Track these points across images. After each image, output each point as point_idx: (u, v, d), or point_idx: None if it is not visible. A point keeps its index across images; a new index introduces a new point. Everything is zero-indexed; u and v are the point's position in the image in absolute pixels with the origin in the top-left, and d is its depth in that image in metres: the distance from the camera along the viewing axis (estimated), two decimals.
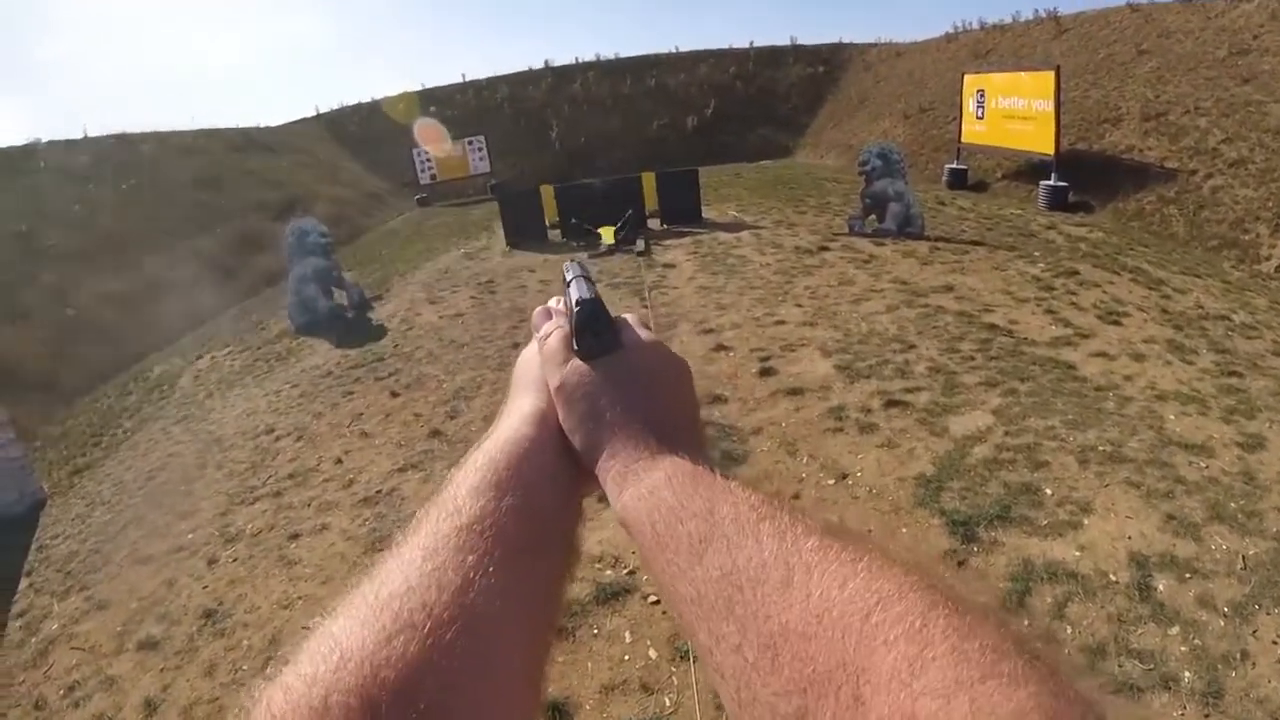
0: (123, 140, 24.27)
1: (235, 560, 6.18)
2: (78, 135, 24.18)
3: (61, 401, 11.78)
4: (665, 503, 0.57)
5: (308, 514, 6.66)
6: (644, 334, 0.77)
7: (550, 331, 0.78)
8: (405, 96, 35.82)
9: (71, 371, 12.71)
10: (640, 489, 0.61)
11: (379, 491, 6.79)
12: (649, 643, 4.56)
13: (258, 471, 7.75)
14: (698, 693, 4.12)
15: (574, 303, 0.75)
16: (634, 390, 0.70)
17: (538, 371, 0.78)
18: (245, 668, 4.90)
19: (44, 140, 22.99)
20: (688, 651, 4.40)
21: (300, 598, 5.48)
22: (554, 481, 0.67)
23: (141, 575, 6.29)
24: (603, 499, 0.67)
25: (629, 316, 0.80)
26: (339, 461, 7.56)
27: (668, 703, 4.15)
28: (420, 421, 8.10)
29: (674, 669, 4.35)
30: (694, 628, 0.50)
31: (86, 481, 8.59)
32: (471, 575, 0.54)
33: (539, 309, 0.86)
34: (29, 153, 21.60)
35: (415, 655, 0.48)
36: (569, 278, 0.83)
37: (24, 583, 6.69)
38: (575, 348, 0.74)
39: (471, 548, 0.56)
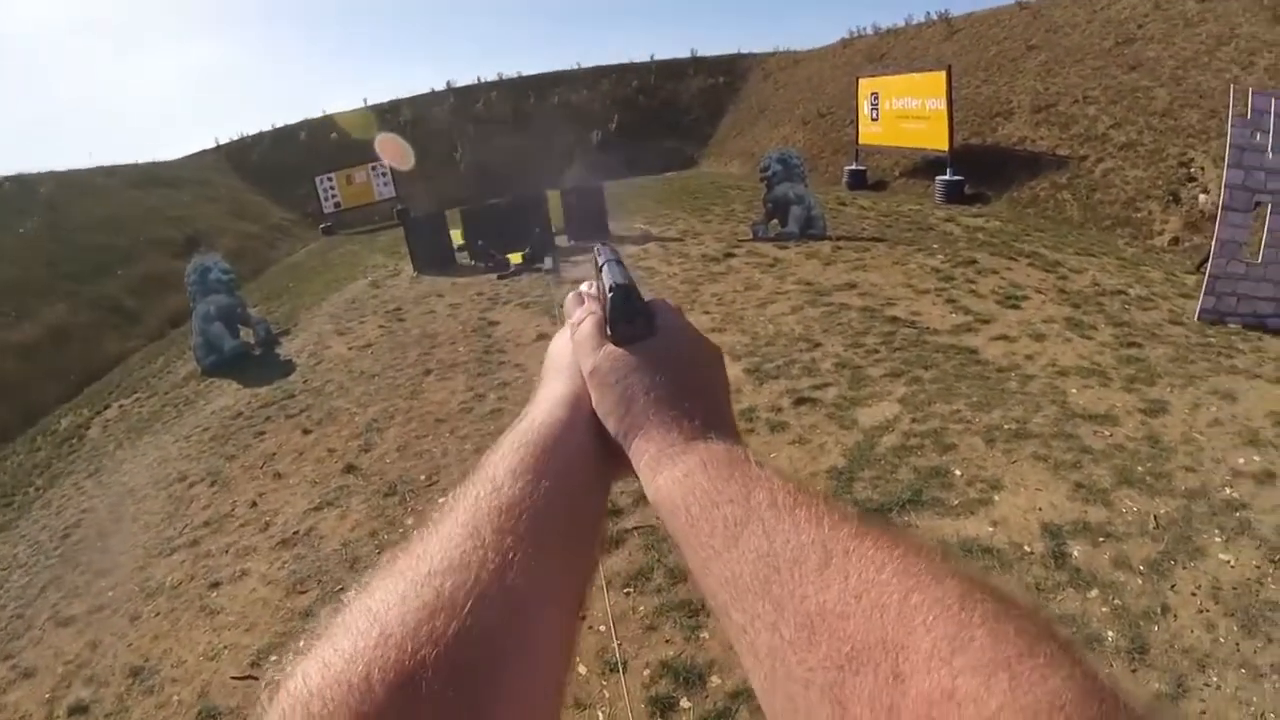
0: (19, 182, 23.51)
1: (158, 614, 5.96)
2: None
3: None
4: (700, 486, 0.57)
5: (226, 561, 6.46)
6: (677, 319, 0.76)
7: (583, 318, 0.77)
8: (290, 130, 35.38)
9: None
10: (675, 473, 0.60)
11: (296, 532, 6.60)
12: (578, 659, 4.45)
13: (173, 521, 7.49)
14: (630, 704, 4.07)
15: (607, 288, 0.74)
16: (668, 375, 0.69)
17: (570, 357, 0.76)
18: None
19: None
20: (616, 664, 4.36)
21: (225, 647, 5.31)
22: (587, 466, 0.67)
23: (64, 638, 6.03)
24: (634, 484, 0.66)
25: (662, 301, 0.78)
26: (254, 504, 7.34)
27: (601, 717, 4.10)
28: (334, 457, 7.91)
29: (604, 683, 4.30)
30: (728, 608, 0.50)
31: (1, 544, 8.22)
32: (511, 556, 0.54)
33: (571, 294, 0.85)
34: None
35: (456, 634, 0.47)
36: (600, 261, 0.82)
37: None
38: (609, 333, 0.72)
39: (511, 529, 0.56)
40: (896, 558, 0.44)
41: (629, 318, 0.72)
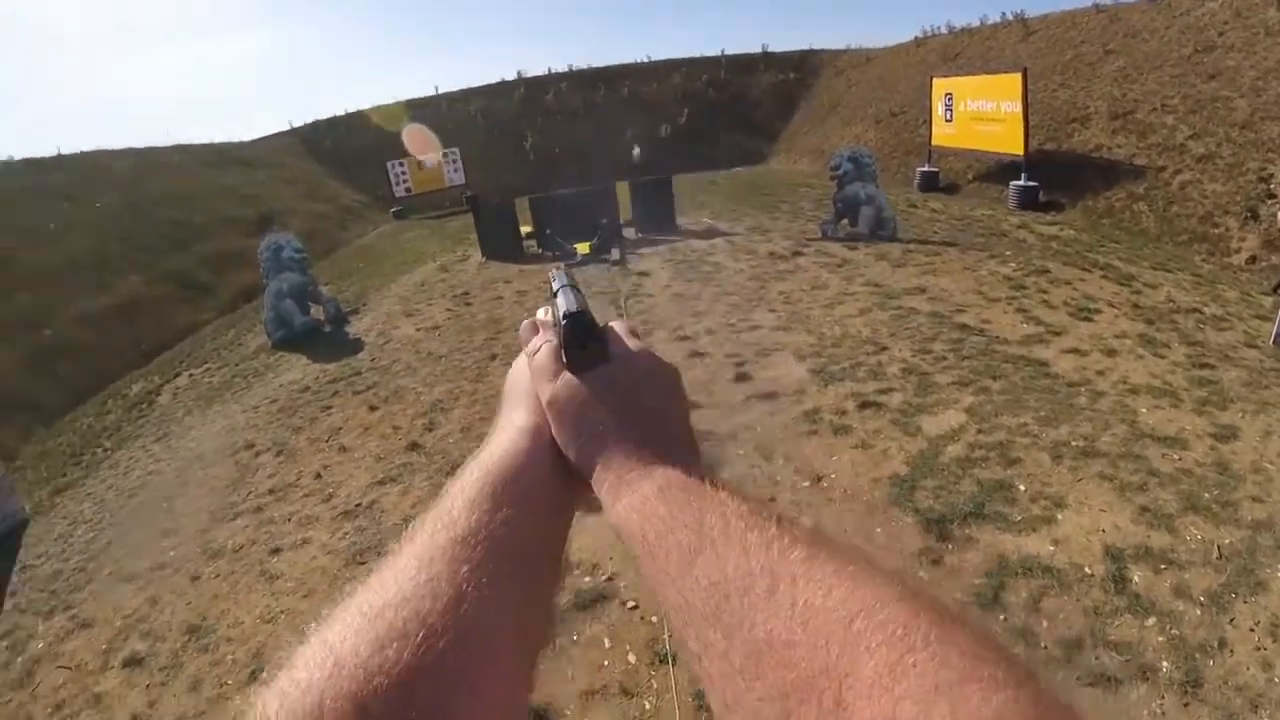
0: (98, 157, 24.11)
1: (218, 576, 6.14)
2: (51, 153, 24.01)
3: (41, 421, 11.69)
4: (657, 513, 0.58)
5: (288, 529, 6.63)
6: (633, 343, 0.77)
7: (539, 346, 0.78)
8: (388, 109, 35.71)
9: (50, 391, 12.62)
10: (633, 499, 0.61)
11: (359, 505, 6.75)
12: (628, 647, 4.54)
13: (238, 487, 7.71)
14: (677, 695, 4.10)
15: (561, 315, 0.75)
16: (624, 401, 0.70)
17: (528, 385, 0.77)
18: (230, 682, 4.87)
19: (18, 158, 22.86)
20: (666, 655, 4.40)
21: (282, 611, 5.45)
22: (547, 494, 0.68)
23: (125, 593, 6.24)
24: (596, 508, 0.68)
25: (617, 325, 0.80)
26: (318, 476, 7.52)
27: (647, 706, 4.14)
28: (398, 434, 8.07)
29: (653, 673, 4.34)
30: (683, 635, 0.51)
31: (68, 501, 8.51)
32: (465, 587, 0.54)
33: (526, 322, 0.86)
34: (3, 171, 21.44)
35: (408, 663, 0.48)
36: (555, 287, 0.83)
37: (8, 603, 6.63)
38: (564, 361, 0.74)
39: (466, 559, 0.57)
40: (845, 581, 0.45)
41: (583, 344, 0.73)
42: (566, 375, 0.72)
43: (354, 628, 0.51)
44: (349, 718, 0.45)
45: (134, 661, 5.30)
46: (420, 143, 29.00)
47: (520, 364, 0.82)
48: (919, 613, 0.42)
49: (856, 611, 0.43)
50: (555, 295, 0.82)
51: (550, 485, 0.69)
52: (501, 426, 0.76)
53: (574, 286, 0.82)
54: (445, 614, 0.52)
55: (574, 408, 0.70)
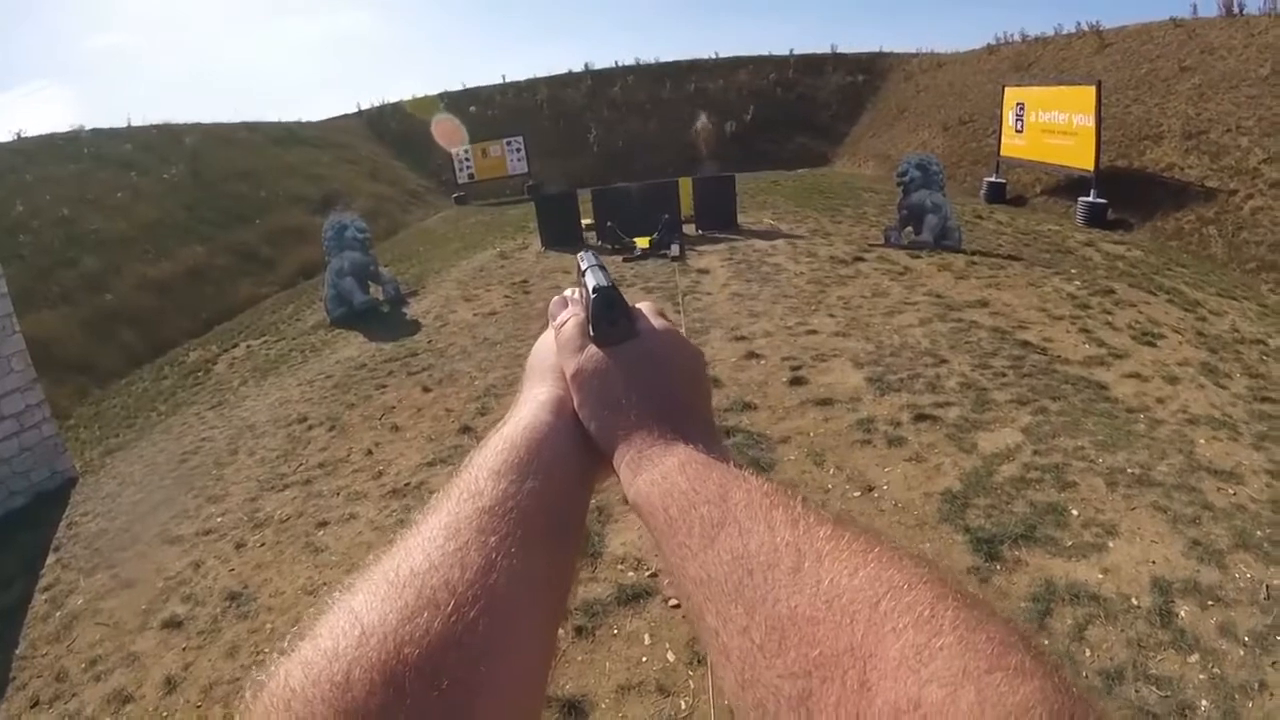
0: (166, 130, 24.69)
1: (263, 545, 6.30)
2: (122, 124, 24.66)
3: (97, 383, 12.04)
4: (678, 488, 0.58)
5: (336, 503, 6.77)
6: (659, 322, 0.78)
7: (566, 319, 0.79)
8: (430, 100, 36.06)
9: (108, 355, 12.99)
10: (654, 474, 0.62)
11: (408, 484, 6.87)
12: (668, 645, 4.60)
13: (289, 459, 7.89)
14: (713, 697, 4.16)
15: (590, 290, 0.76)
16: (649, 377, 0.71)
17: (554, 359, 0.78)
18: (267, 650, 4.90)
19: (88, 128, 23.47)
20: (704, 656, 4.44)
21: (325, 584, 5.54)
22: (570, 467, 0.68)
23: (169, 556, 6.43)
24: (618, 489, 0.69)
25: (644, 305, 0.80)
26: (369, 453, 7.67)
27: (683, 706, 4.19)
28: (451, 417, 8.19)
29: (691, 673, 4.39)
30: (702, 609, 0.51)
31: (118, 462, 8.76)
32: (494, 556, 0.55)
33: (556, 298, 0.87)
34: (74, 140, 22.03)
35: (439, 633, 0.48)
36: (584, 266, 0.84)
37: (52, 558, 6.86)
38: (591, 335, 0.74)
39: (494, 529, 0.57)
40: (871, 562, 0.46)
41: (611, 319, 0.73)
42: (592, 349, 0.73)
43: (380, 595, 0.51)
44: (378, 688, 0.45)
45: (173, 624, 5.46)
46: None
47: (546, 338, 0.83)
48: (946, 597, 0.43)
49: (884, 592, 0.43)
50: (584, 273, 0.82)
51: (573, 458, 0.69)
52: (525, 399, 0.76)
53: (602, 266, 0.83)
54: (475, 583, 0.52)
55: (597, 381, 0.71)
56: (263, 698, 0.46)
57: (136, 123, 25.02)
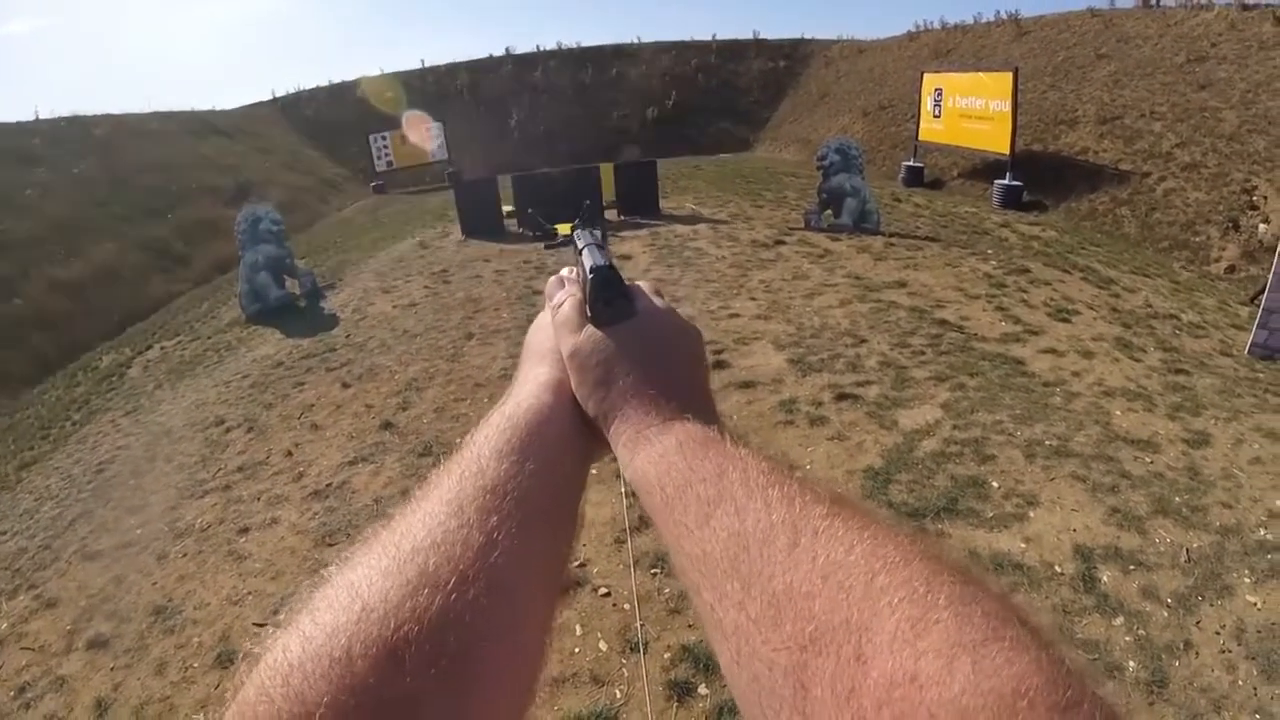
0: (76, 123, 23.83)
1: (185, 555, 6.04)
2: (29, 117, 23.74)
3: (9, 393, 11.53)
4: (676, 466, 0.58)
5: (257, 508, 6.53)
6: (657, 301, 0.77)
7: (563, 300, 0.79)
8: (373, 81, 35.51)
9: (19, 362, 12.47)
10: (652, 453, 0.62)
11: (329, 485, 6.67)
12: (599, 635, 4.53)
13: (207, 464, 7.59)
14: (648, 684, 4.08)
15: (588, 270, 0.75)
16: (647, 357, 0.70)
17: (552, 340, 0.78)
18: (196, 665, 4.80)
19: None
20: (638, 644, 4.38)
21: (250, 593, 5.37)
22: (569, 447, 0.68)
23: (90, 572, 6.13)
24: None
25: (644, 283, 0.80)
26: (289, 454, 7.43)
27: (618, 694, 4.13)
28: (372, 413, 7.98)
29: (624, 661, 4.33)
30: (699, 586, 0.51)
31: (35, 475, 8.37)
32: (496, 536, 0.54)
33: (553, 278, 0.87)
34: None
35: (440, 610, 0.48)
36: (581, 245, 0.83)
37: None
38: (588, 315, 0.74)
39: (496, 509, 0.57)
40: (866, 539, 0.45)
41: (608, 299, 0.73)
42: (589, 329, 0.72)
43: (381, 571, 0.50)
44: (379, 664, 0.44)
45: (98, 643, 5.21)
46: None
47: (544, 319, 0.83)
48: (942, 572, 0.42)
49: (879, 567, 0.43)
50: (581, 251, 0.82)
51: (572, 438, 0.69)
52: (524, 379, 0.76)
53: (600, 245, 0.82)
54: (476, 561, 0.52)
55: (595, 361, 0.70)
56: (259, 671, 0.46)
57: (45, 115, 24.16)
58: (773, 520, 0.49)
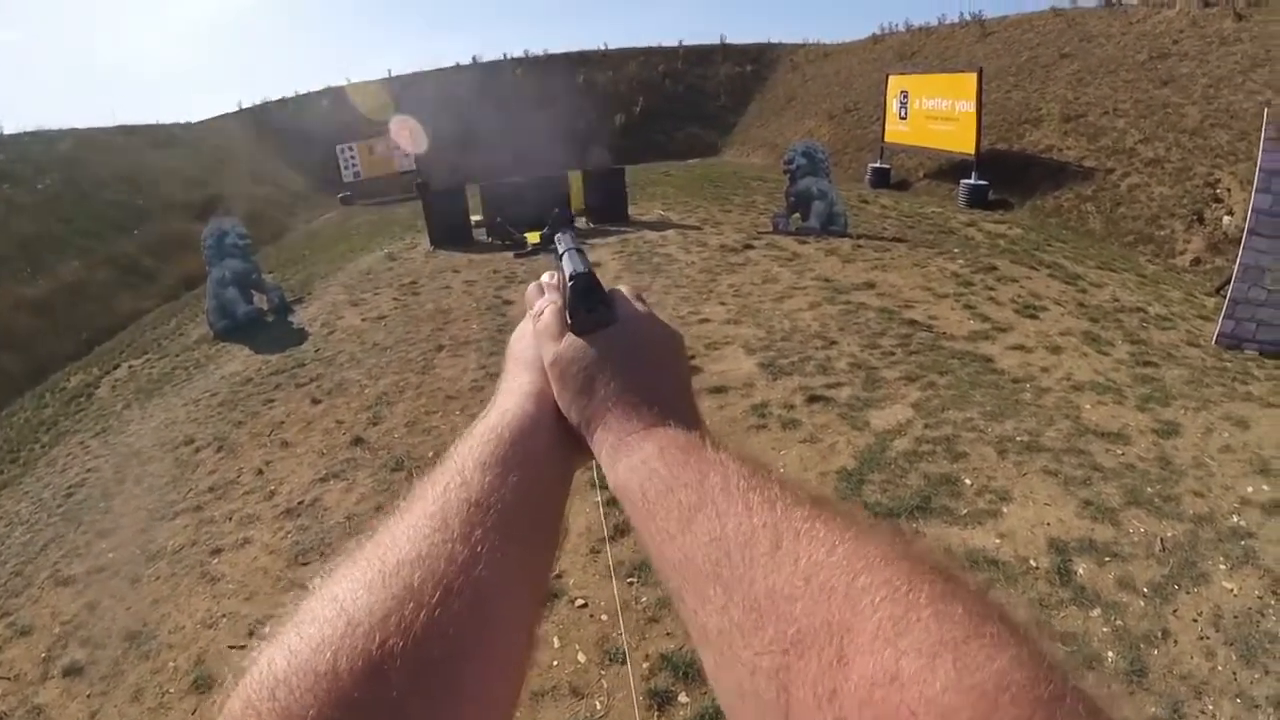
0: (39, 138, 23.58)
1: (158, 579, 5.93)
2: None
3: None
4: (657, 473, 0.58)
5: (229, 528, 6.43)
6: (638, 306, 0.77)
7: (544, 307, 0.78)
8: (341, 90, 35.41)
9: None
10: (633, 460, 0.61)
11: (301, 502, 6.58)
12: (578, 647, 4.49)
13: (178, 485, 7.46)
14: (634, 695, 4.04)
15: (568, 277, 0.75)
16: (628, 363, 0.70)
17: (534, 349, 0.77)
18: (172, 690, 4.72)
19: None
20: (617, 654, 4.36)
21: (224, 615, 5.29)
22: (553, 459, 0.68)
23: (63, 597, 6.01)
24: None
25: (624, 288, 0.79)
26: (260, 472, 7.32)
27: (598, 706, 4.10)
28: (342, 429, 7.88)
29: (603, 672, 4.30)
30: (681, 592, 0.51)
31: (4, 500, 8.22)
32: (479, 549, 0.54)
33: (533, 284, 0.86)
34: None
35: (425, 625, 0.48)
36: (561, 250, 0.83)
37: None
38: (569, 323, 0.73)
39: (480, 522, 0.57)
40: (848, 539, 0.45)
41: (589, 306, 0.72)
42: (570, 337, 0.72)
43: (366, 584, 0.50)
44: (364, 678, 0.44)
45: (74, 670, 5.11)
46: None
47: (524, 326, 0.82)
48: (922, 572, 0.42)
49: (860, 568, 0.42)
50: (561, 257, 0.81)
51: (555, 448, 0.69)
52: (506, 389, 0.76)
53: (580, 250, 0.81)
54: (460, 575, 0.52)
55: (576, 369, 0.70)
56: (246, 684, 0.46)
57: (9, 130, 23.88)
58: (754, 524, 0.49)
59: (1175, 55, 16.52)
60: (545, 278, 0.87)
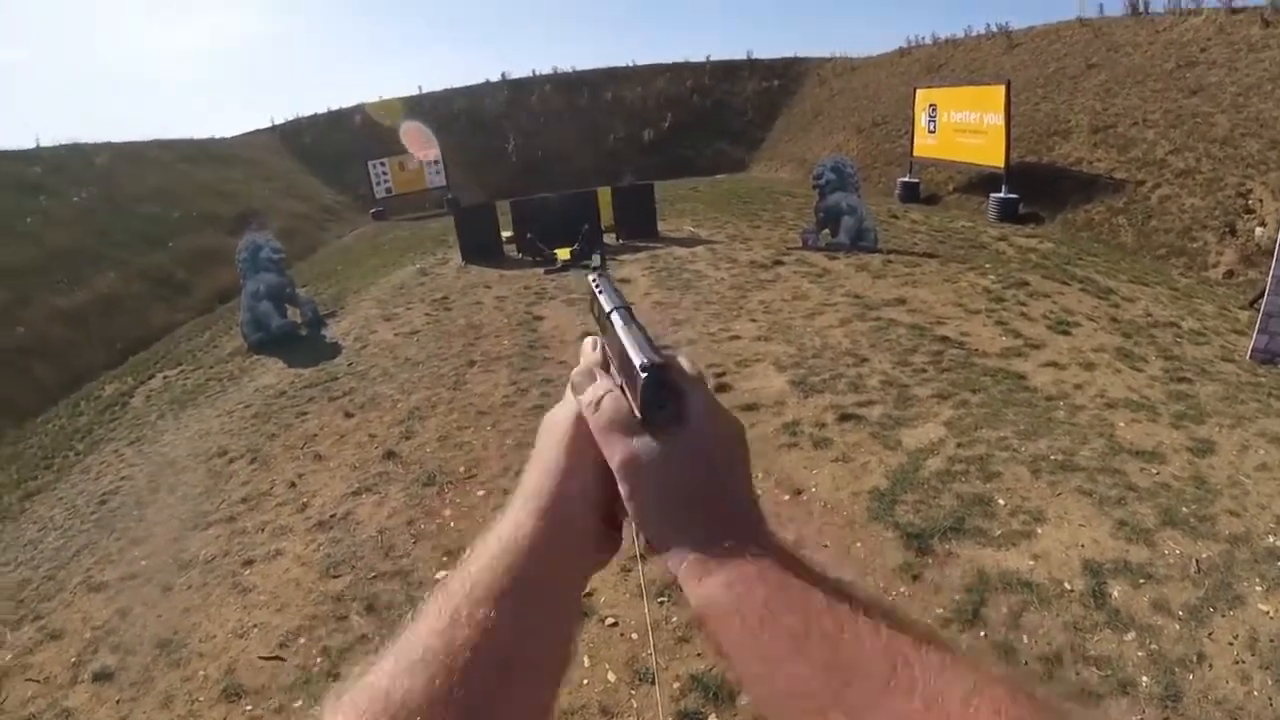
0: (76, 150, 23.88)
1: (189, 587, 6.00)
2: (30, 145, 23.81)
3: (12, 422, 11.50)
4: (757, 595, 0.56)
5: (262, 539, 6.49)
6: (703, 396, 0.69)
7: (600, 397, 0.69)
8: (373, 106, 35.74)
9: (22, 391, 12.42)
10: (725, 578, 0.58)
11: (333, 515, 6.63)
12: (607, 666, 4.49)
13: (211, 495, 7.54)
14: (664, 714, 4.07)
15: (638, 367, 0.65)
16: (708, 467, 0.65)
17: (556, 449, 0.71)
18: (202, 699, 4.76)
19: None
20: (647, 674, 4.36)
21: (255, 625, 5.33)
22: (564, 582, 0.67)
23: (95, 603, 6.08)
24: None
25: (684, 363, 0.71)
26: (293, 485, 7.39)
27: None
28: (375, 443, 7.94)
29: (633, 692, 4.30)
30: (795, 718, 0.51)
31: (38, 505, 8.34)
32: (478, 702, 0.55)
33: (580, 369, 0.75)
34: None
35: None
36: (608, 309, 0.75)
37: None
38: (640, 419, 0.65)
39: (480, 663, 0.56)
40: (951, 663, 0.47)
41: (661, 402, 0.65)
42: (644, 439, 0.65)
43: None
44: None
45: (104, 676, 5.17)
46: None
47: (562, 413, 0.73)
48: (1018, 691, 0.45)
49: (971, 688, 0.45)
50: (608, 319, 0.74)
51: (568, 570, 0.67)
52: (527, 492, 0.70)
53: (631, 315, 0.73)
54: (452, 708, 0.53)
55: (651, 475, 0.64)
56: None
57: (45, 143, 24.23)
58: (866, 649, 0.49)
59: (1203, 63, 16.37)
60: (587, 345, 0.79)
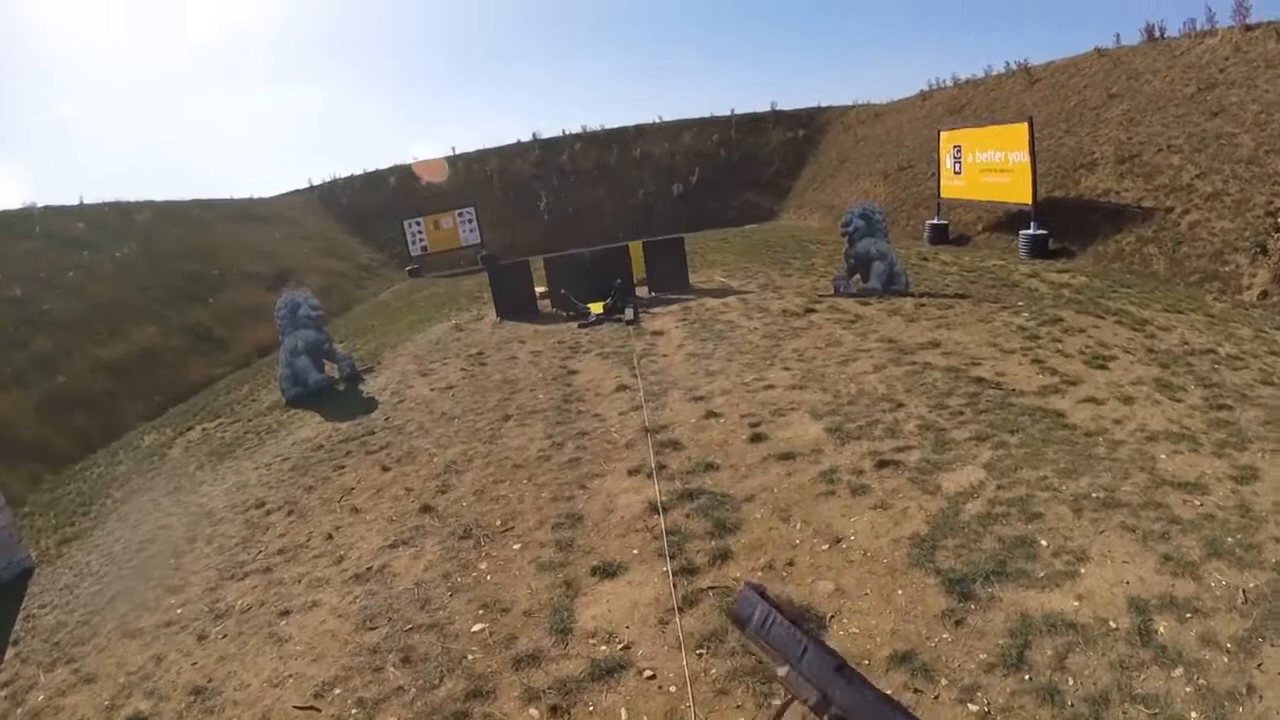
0: (119, 208, 24.64)
1: (225, 636, 6.08)
2: (74, 201, 24.65)
3: (51, 469, 11.74)
4: None
5: (298, 590, 6.58)
6: None
7: None
8: (381, 175, 36.66)
9: (62, 439, 12.69)
10: None
11: (369, 568, 6.70)
12: (646, 719, 4.49)
13: (248, 546, 7.67)
14: None
15: None
16: None
17: None
18: None
19: (40, 205, 23.41)
20: None
21: (290, 675, 5.37)
22: None
23: (130, 649, 6.18)
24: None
25: None
26: (329, 537, 7.48)
27: None
28: (411, 496, 8.03)
29: None
30: None
31: (75, 551, 8.51)
32: None
33: None
34: (25, 217, 21.91)
35: None
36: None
37: (10, 652, 6.59)
38: None
39: None
40: None
41: None
42: None
43: None
44: None
45: None
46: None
47: None
48: None
49: None
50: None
51: None
52: None
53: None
54: None
55: None
56: None
57: (89, 200, 25.08)
58: None
59: (1223, 84, 16.35)
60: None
